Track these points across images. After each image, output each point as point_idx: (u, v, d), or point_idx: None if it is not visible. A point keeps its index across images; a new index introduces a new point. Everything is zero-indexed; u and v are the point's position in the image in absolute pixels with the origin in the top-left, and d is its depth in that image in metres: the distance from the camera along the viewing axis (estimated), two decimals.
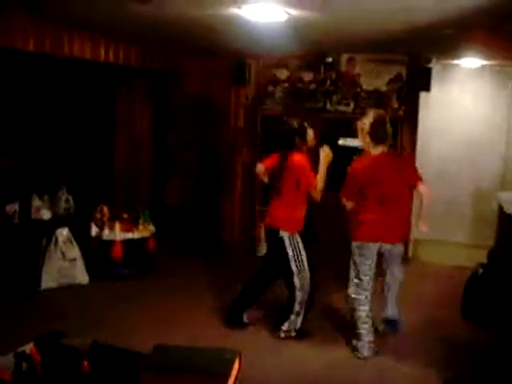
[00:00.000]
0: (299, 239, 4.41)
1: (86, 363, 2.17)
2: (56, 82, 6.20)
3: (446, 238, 7.27)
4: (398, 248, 4.47)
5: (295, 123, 4.56)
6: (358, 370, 4.08)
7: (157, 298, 5.32)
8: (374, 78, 6.75)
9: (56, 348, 2.35)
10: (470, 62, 6.70)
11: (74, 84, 6.37)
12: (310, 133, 4.56)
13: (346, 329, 4.54)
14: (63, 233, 5.48)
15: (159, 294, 5.44)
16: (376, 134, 4.29)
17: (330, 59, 6.84)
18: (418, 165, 6.80)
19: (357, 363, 4.18)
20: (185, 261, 6.56)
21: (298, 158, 4.40)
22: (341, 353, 4.33)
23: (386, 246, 4.32)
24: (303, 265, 4.39)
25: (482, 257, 5.48)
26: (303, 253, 4.41)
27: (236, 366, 2.09)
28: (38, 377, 2.23)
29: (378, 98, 6.65)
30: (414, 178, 4.42)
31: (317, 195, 4.39)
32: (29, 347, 2.32)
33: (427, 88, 6.62)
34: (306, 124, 4.56)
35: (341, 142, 6.51)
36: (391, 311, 4.67)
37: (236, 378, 2.06)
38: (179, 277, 5.99)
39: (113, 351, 2.31)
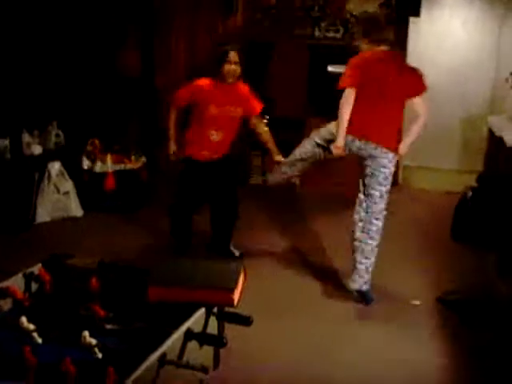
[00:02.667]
0: None
1: (94, 280, 2.21)
2: (43, 14, 6.04)
3: (436, 164, 7.33)
4: (383, 160, 3.94)
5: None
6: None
7: (153, 228, 5.37)
8: (363, 4, 6.66)
9: (64, 268, 2.40)
10: None
11: (64, 16, 6.21)
12: (232, 58, 4.30)
13: None
14: (55, 166, 5.48)
15: (154, 224, 5.49)
16: (369, 33, 3.98)
17: None
18: None
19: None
20: None
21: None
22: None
23: (369, 148, 3.91)
24: None
25: (470, 182, 5.57)
26: None
27: (242, 277, 2.14)
28: (48, 296, 2.28)
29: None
30: (417, 87, 3.99)
31: None
32: (37, 268, 2.36)
33: (417, 13, 6.55)
34: (229, 48, 4.35)
35: (330, 68, 6.47)
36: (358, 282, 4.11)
37: (242, 290, 2.12)
38: None
39: (120, 269, 2.36)
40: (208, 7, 6.86)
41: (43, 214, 5.47)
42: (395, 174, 6.89)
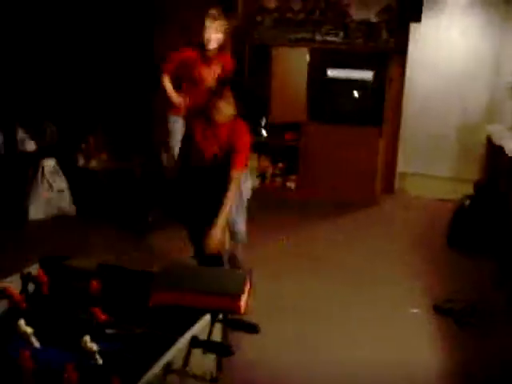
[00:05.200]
0: None
1: (95, 283, 2.14)
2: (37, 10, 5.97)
3: (432, 171, 7.31)
4: None
5: None
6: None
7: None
8: (364, 9, 6.62)
9: (62, 269, 2.33)
10: None
11: (60, 13, 6.13)
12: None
13: None
14: (50, 164, 5.39)
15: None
16: None
17: None
18: (404, 98, 6.87)
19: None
20: None
21: None
22: None
23: None
24: None
25: (466, 190, 5.55)
26: None
27: (248, 284, 2.08)
28: (45, 298, 2.21)
29: (367, 29, 6.54)
30: None
31: None
32: (34, 268, 2.28)
33: (418, 19, 6.51)
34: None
35: (329, 72, 6.43)
36: None
37: (248, 296, 2.06)
38: None
39: (121, 271, 2.29)
40: (207, 7, 6.78)
41: (36, 212, 5.38)
42: (391, 181, 6.96)
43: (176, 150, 4.60)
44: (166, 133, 4.97)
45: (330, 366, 3.24)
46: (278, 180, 6.75)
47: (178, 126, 4.77)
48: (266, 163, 6.73)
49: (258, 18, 6.71)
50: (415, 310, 4.02)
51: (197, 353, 1.89)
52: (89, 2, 6.28)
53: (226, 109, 3.53)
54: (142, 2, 6.52)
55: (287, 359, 3.28)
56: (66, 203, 5.53)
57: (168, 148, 5.01)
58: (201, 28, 4.76)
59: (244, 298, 2.01)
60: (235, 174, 3.52)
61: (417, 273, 4.60)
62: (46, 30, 5.99)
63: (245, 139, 3.61)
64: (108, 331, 1.97)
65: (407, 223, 5.90)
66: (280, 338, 3.46)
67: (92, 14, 6.38)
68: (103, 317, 2.01)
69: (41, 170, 5.36)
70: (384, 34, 6.49)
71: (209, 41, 4.65)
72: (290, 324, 3.69)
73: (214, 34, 4.65)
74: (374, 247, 5.13)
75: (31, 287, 2.27)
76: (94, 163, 5.59)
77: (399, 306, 4.06)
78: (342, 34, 6.55)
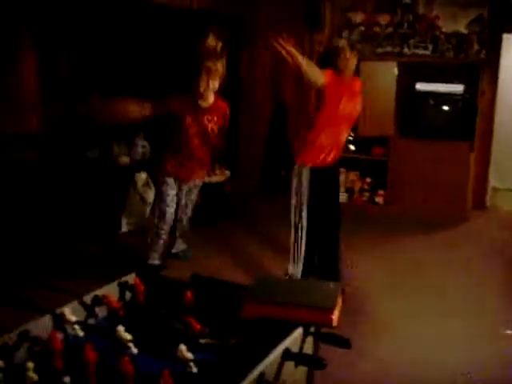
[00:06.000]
0: None
1: (189, 294, 2.19)
2: (132, 29, 6.20)
3: None
4: None
5: None
6: None
7: (236, 242, 5.39)
8: (454, 20, 6.49)
9: (157, 279, 2.40)
10: None
11: (152, 30, 6.35)
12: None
13: None
14: (142, 177, 5.58)
15: (237, 238, 5.51)
16: None
17: (407, 1, 6.60)
18: (496, 110, 6.65)
19: None
20: (265, 203, 6.63)
21: None
22: None
23: None
24: None
25: None
26: None
27: (340, 298, 2.07)
28: (141, 306, 2.28)
29: (457, 41, 6.40)
30: None
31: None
32: (131, 277, 2.36)
33: (511, 29, 6.32)
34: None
35: (418, 86, 6.33)
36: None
37: (340, 311, 2.05)
38: (259, 220, 6.12)
39: (214, 283, 2.33)
40: (294, 22, 6.86)
41: (128, 224, 5.58)
42: (482, 197, 6.73)
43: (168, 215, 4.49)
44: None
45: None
46: (366, 195, 6.69)
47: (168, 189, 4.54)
48: (353, 178, 6.69)
49: (345, 33, 6.70)
50: (510, 332, 3.90)
51: (289, 365, 1.90)
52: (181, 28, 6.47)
53: None
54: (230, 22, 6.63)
55: (379, 378, 3.24)
56: None
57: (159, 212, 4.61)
58: None
59: (336, 311, 2.01)
60: None
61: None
62: (136, 50, 6.22)
63: None
64: (202, 341, 2.00)
65: (499, 242, 5.70)
66: (372, 356, 3.41)
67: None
68: (198, 327, 2.05)
69: (133, 183, 5.56)
70: (475, 46, 6.33)
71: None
72: (384, 343, 3.64)
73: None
74: (466, 267, 5.00)
75: (128, 295, 2.35)
76: None
77: (493, 325, 3.94)
78: (431, 46, 6.44)
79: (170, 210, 4.50)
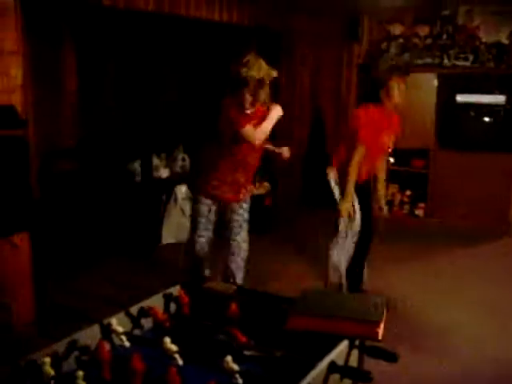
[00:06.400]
0: None
1: (234, 306, 2.20)
2: (173, 43, 6.31)
3: None
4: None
5: None
6: None
7: (278, 255, 5.40)
8: (495, 30, 6.42)
9: (202, 291, 2.42)
10: None
11: (191, 44, 6.45)
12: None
13: None
14: (182, 190, 5.63)
15: (280, 250, 5.52)
16: None
17: (446, 12, 6.56)
18: None
19: None
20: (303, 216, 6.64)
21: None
22: None
23: None
24: None
25: None
26: None
27: (385, 311, 2.06)
28: (186, 318, 2.30)
29: (498, 51, 6.32)
30: None
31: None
32: (176, 289, 2.39)
33: None
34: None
35: (459, 98, 6.27)
36: None
37: (385, 325, 2.04)
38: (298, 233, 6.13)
39: (259, 295, 2.35)
40: (333, 35, 6.88)
41: (168, 236, 5.63)
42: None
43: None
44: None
45: None
46: (406, 208, 6.64)
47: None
48: (393, 190, 6.64)
49: (384, 45, 6.68)
50: None
51: (334, 378, 1.90)
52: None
53: None
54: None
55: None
56: None
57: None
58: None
59: (382, 324, 2.00)
60: None
61: None
62: (175, 64, 6.31)
63: None
64: (247, 353, 2.01)
65: None
66: (414, 371, 3.37)
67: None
68: (243, 339, 2.06)
69: (174, 195, 5.62)
70: None
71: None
72: (427, 357, 3.59)
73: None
74: (506, 282, 4.91)
75: (173, 307, 2.38)
76: None
77: None
78: (471, 57, 6.37)
79: None
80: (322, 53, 6.97)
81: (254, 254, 5.30)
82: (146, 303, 2.31)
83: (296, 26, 6.79)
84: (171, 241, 5.64)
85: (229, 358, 1.88)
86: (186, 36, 6.30)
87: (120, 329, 2.11)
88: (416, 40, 6.59)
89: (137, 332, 2.24)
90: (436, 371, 3.42)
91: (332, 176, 4.29)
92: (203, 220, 3.96)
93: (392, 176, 6.51)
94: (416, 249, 5.67)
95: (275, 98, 3.87)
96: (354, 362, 2.06)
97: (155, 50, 6.19)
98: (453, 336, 3.89)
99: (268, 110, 3.74)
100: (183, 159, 6.13)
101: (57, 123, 5.72)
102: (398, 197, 6.67)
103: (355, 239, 4.23)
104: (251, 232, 5.20)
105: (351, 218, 4.18)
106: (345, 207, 4.13)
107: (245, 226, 4.10)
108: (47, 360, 1.84)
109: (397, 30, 6.68)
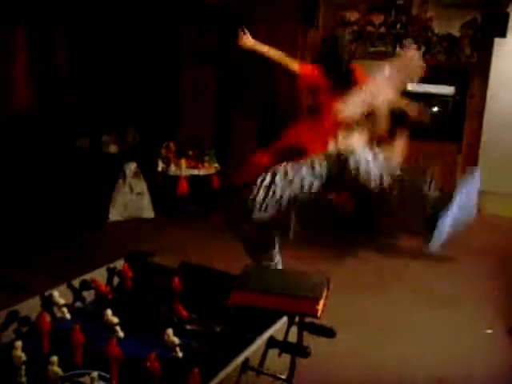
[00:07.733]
0: None
1: (177, 280, 2.21)
2: (121, 20, 6.20)
3: None
4: None
5: None
6: None
7: (221, 233, 5.40)
8: (447, 23, 6.54)
9: (146, 265, 2.43)
10: None
11: (140, 22, 6.35)
12: None
13: None
14: (131, 167, 5.59)
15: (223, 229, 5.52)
16: None
17: (401, 1, 6.64)
18: (486, 114, 6.70)
19: None
20: None
21: None
22: None
23: None
24: None
25: None
26: None
27: (326, 289, 2.11)
28: (129, 292, 2.31)
29: (449, 43, 6.45)
30: None
31: None
32: (120, 263, 2.39)
33: (503, 33, 6.37)
34: None
35: (409, 87, 6.36)
36: None
37: (325, 302, 2.08)
38: None
39: (202, 270, 2.37)
40: (288, 19, 6.88)
41: (116, 214, 5.59)
42: None
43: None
44: None
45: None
46: None
47: None
48: None
49: (338, 31, 6.72)
50: (490, 331, 3.95)
51: (272, 353, 1.94)
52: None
53: None
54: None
55: (356, 364, 3.30)
56: (144, 206, 5.70)
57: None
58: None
59: (321, 302, 2.04)
60: None
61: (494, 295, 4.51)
62: (123, 43, 6.22)
63: None
64: (188, 327, 2.03)
65: (486, 244, 5.73)
66: (348, 347, 3.44)
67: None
68: (185, 313, 2.08)
69: (123, 172, 5.57)
70: (467, 49, 6.39)
71: None
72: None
73: None
74: (453, 268, 5.06)
75: (116, 281, 2.38)
76: (172, 168, 5.73)
77: (473, 326, 4.00)
78: (423, 48, 6.48)
79: None
80: (278, 35, 6.95)
81: (202, 233, 5.34)
82: (88, 276, 2.30)
83: (256, 6, 6.75)
84: (118, 218, 5.60)
85: (170, 331, 1.89)
86: (135, 12, 6.18)
87: (61, 301, 2.10)
88: (370, 28, 6.66)
89: (78, 304, 2.24)
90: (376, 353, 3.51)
91: None
92: None
93: None
94: None
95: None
96: (294, 339, 2.10)
97: (110, 26, 6.07)
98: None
99: None
100: (134, 137, 6.08)
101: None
102: None
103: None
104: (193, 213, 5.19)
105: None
106: None
107: None
108: None
109: (352, 16, 6.73)
